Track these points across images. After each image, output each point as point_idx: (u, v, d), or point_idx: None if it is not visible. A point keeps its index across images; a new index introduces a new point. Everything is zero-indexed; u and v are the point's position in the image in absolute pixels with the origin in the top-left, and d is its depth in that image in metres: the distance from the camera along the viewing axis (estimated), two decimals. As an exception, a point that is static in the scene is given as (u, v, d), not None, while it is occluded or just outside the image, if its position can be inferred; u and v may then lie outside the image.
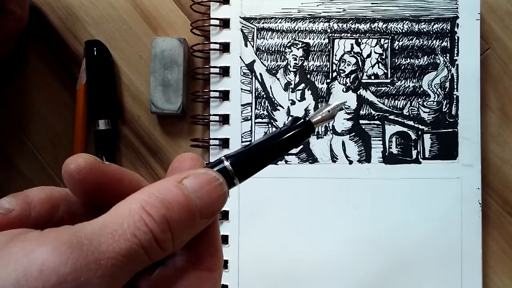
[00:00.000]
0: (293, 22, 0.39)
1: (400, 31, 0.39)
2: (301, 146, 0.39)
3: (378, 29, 0.39)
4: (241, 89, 0.40)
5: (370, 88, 0.39)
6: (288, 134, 0.23)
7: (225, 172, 0.21)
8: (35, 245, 0.16)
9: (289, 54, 0.40)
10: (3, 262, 0.16)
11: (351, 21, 0.39)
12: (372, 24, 0.39)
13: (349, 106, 0.39)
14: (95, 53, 0.41)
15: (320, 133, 0.39)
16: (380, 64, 0.39)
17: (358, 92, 0.39)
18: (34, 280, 0.15)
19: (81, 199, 0.21)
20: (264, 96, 0.39)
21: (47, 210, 0.20)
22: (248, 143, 0.21)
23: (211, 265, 0.21)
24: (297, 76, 0.40)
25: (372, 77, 0.39)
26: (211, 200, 0.20)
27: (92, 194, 0.20)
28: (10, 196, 0.20)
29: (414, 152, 0.39)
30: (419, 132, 0.39)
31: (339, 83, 0.40)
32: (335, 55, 0.40)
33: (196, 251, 0.21)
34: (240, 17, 0.39)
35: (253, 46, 0.40)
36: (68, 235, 0.17)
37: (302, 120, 0.24)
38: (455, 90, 0.39)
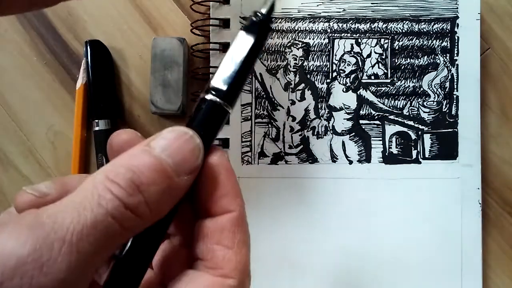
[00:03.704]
0: (293, 22, 0.39)
1: (400, 31, 0.39)
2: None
3: (378, 29, 0.39)
4: (241, 89, 0.39)
5: (370, 88, 0.39)
6: (252, 40, 0.22)
7: (216, 106, 0.21)
8: None
9: (289, 54, 0.40)
10: None
11: (351, 21, 0.39)
12: (372, 24, 0.39)
13: (349, 106, 0.39)
14: (95, 53, 0.41)
15: (320, 133, 0.39)
16: (380, 64, 0.39)
17: (358, 92, 0.39)
18: None
19: None
20: (264, 96, 0.39)
21: None
22: (218, 67, 0.21)
23: (226, 271, 0.20)
24: (297, 76, 0.40)
25: (372, 77, 0.39)
26: (183, 156, 0.19)
27: None
28: (50, 181, 0.20)
29: (414, 152, 0.39)
30: (419, 132, 0.39)
31: (339, 83, 0.40)
32: (335, 55, 0.39)
33: (210, 253, 0.20)
34: (240, 17, 0.39)
35: (253, 46, 0.39)
36: (30, 217, 0.16)
37: (255, 19, 0.22)
38: (455, 90, 0.39)
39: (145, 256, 0.20)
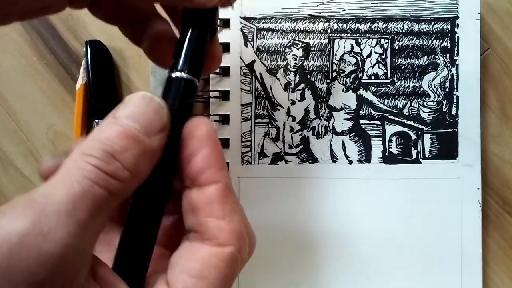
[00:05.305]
0: (293, 22, 0.39)
1: (400, 31, 0.39)
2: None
3: (378, 29, 0.39)
4: (241, 89, 0.40)
5: (370, 88, 0.39)
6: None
7: (184, 81, 0.22)
8: None
9: (289, 54, 0.40)
10: None
11: (351, 21, 0.39)
12: (372, 24, 0.39)
13: (349, 106, 0.39)
14: (95, 53, 0.41)
15: (320, 133, 0.39)
16: (380, 64, 0.39)
17: (358, 92, 0.39)
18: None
19: None
20: (264, 96, 0.39)
21: None
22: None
23: (221, 240, 0.20)
24: (297, 76, 0.40)
25: (372, 77, 0.39)
26: (148, 117, 0.20)
27: None
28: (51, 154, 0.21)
29: (414, 152, 0.39)
30: (419, 132, 0.39)
31: (339, 83, 0.40)
32: (335, 55, 0.39)
33: (203, 226, 0.21)
34: (240, 17, 0.39)
35: (253, 46, 0.40)
36: (22, 199, 0.17)
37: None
38: (455, 90, 0.39)
39: (152, 223, 0.22)
